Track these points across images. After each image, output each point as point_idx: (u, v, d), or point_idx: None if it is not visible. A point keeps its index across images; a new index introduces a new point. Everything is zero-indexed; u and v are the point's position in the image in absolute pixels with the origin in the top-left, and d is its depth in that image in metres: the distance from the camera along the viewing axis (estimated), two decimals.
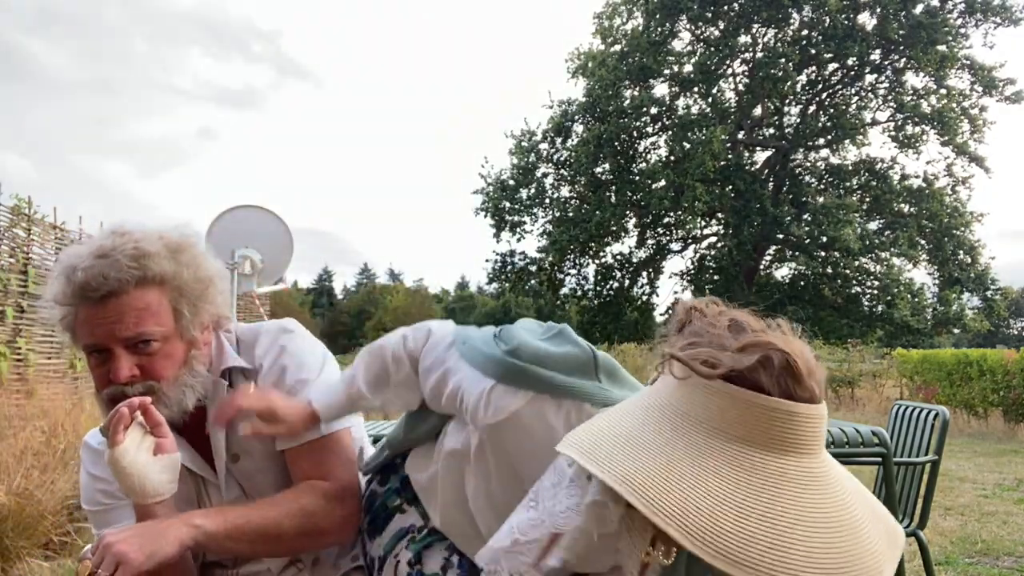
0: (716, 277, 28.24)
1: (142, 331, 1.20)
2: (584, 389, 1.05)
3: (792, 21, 26.91)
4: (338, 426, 1.34)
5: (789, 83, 25.58)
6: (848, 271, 25.58)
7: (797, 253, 27.27)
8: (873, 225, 26.55)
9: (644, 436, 0.76)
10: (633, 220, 28.74)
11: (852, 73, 26.94)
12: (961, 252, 25.14)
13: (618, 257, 29.83)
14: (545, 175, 29.03)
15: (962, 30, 24.73)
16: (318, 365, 1.38)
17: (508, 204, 28.72)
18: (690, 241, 29.52)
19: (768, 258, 28.75)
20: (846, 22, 25.46)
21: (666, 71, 27.61)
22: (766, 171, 28.36)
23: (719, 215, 27.59)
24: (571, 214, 28.12)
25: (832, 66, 27.20)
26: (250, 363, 1.35)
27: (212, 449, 1.35)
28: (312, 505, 1.22)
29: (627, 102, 27.25)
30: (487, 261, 32.23)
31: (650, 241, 29.91)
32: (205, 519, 1.14)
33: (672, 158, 26.62)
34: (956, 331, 26.89)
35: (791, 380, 0.72)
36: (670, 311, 1.06)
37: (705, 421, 0.74)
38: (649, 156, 29.08)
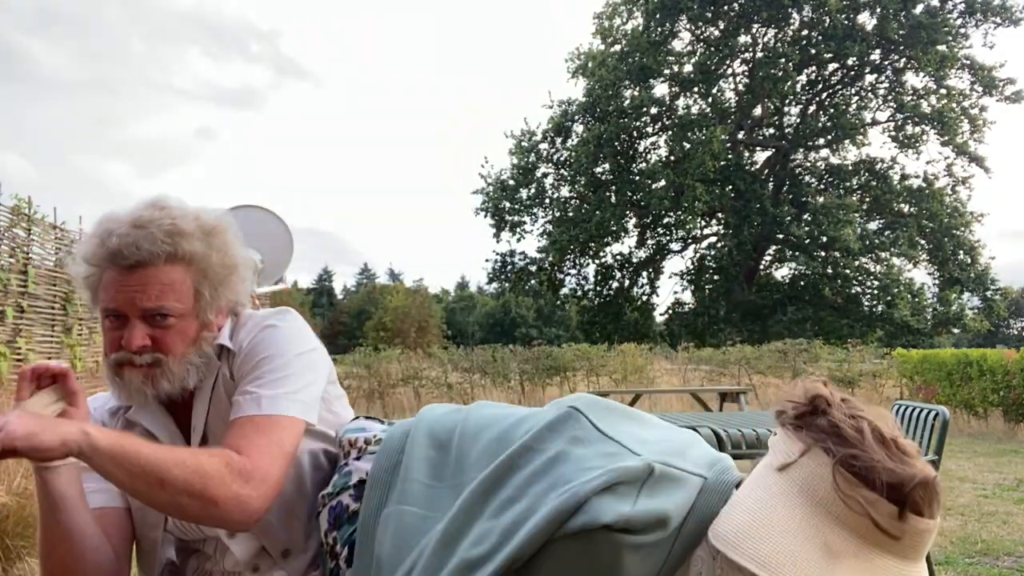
0: (716, 277, 28.26)
1: (162, 305, 1.23)
2: (712, 514, 0.93)
3: (792, 21, 26.92)
4: (288, 412, 1.26)
5: (789, 83, 25.60)
6: (848, 271, 25.59)
7: (797, 253, 27.26)
8: (873, 225, 26.58)
9: (785, 523, 0.84)
10: (633, 220, 28.74)
11: (852, 73, 26.95)
12: (961, 252, 25.15)
13: (618, 257, 29.85)
14: (545, 175, 29.05)
15: (962, 30, 24.75)
16: (296, 349, 1.34)
17: (508, 204, 28.72)
18: (690, 241, 29.52)
19: (768, 258, 28.76)
20: (846, 22, 25.47)
21: (666, 71, 27.62)
22: (766, 171, 28.37)
23: (719, 215, 27.61)
24: (571, 214, 28.13)
25: (832, 66, 27.22)
26: (235, 345, 1.35)
27: (191, 426, 1.34)
28: (210, 467, 1.13)
29: (627, 102, 27.25)
30: (487, 261, 32.25)
31: (650, 241, 29.92)
32: (99, 433, 1.08)
33: (672, 158, 26.62)
34: (956, 331, 26.90)
35: (936, 504, 0.83)
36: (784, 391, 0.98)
37: (848, 524, 0.83)
38: (649, 156, 29.09)
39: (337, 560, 1.18)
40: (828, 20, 25.52)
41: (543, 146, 28.68)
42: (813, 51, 26.32)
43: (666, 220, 28.49)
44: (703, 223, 28.16)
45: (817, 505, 0.83)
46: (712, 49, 27.17)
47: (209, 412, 1.34)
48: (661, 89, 28.32)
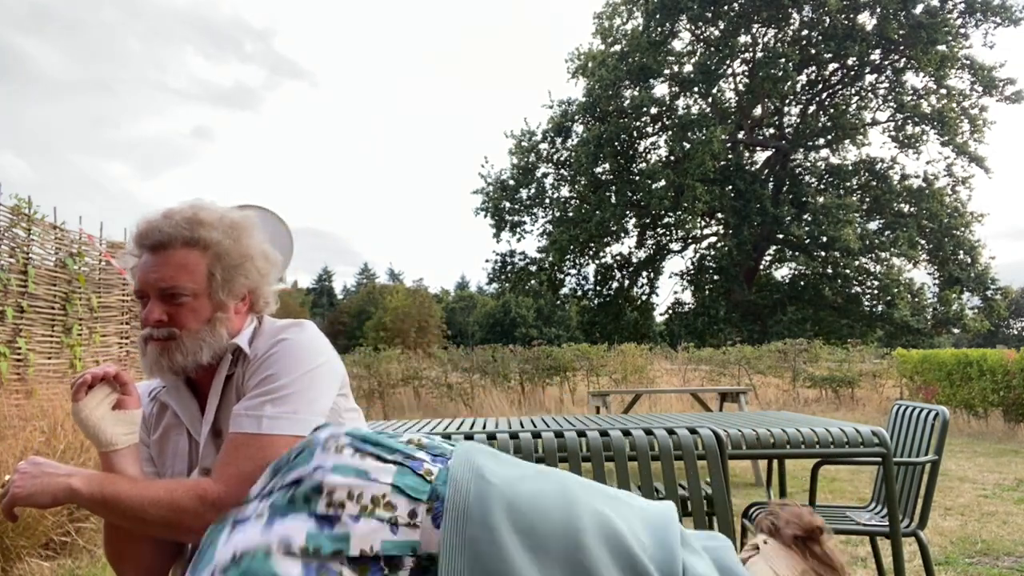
0: (716, 277, 28.26)
1: (175, 284, 1.38)
2: None
3: (792, 21, 26.92)
4: (287, 431, 1.30)
5: (789, 83, 25.59)
6: (848, 271, 25.58)
7: (797, 253, 27.25)
8: (873, 225, 26.57)
9: None
10: (633, 220, 28.74)
11: (852, 73, 26.95)
12: (961, 252, 25.13)
13: (618, 257, 29.85)
14: (545, 175, 29.05)
15: (962, 30, 24.74)
16: (305, 366, 1.38)
17: (508, 204, 28.73)
18: (690, 241, 29.52)
19: (768, 258, 28.75)
20: (846, 22, 25.46)
21: (666, 71, 27.62)
22: (766, 171, 28.37)
23: (719, 215, 27.60)
24: (571, 214, 28.12)
25: (832, 66, 27.21)
26: (252, 353, 1.42)
27: (204, 414, 1.44)
28: (185, 501, 1.25)
29: (627, 102, 27.25)
30: (487, 261, 32.28)
31: (650, 241, 29.92)
32: (83, 484, 1.25)
33: (672, 158, 26.62)
34: (956, 331, 26.89)
35: None
36: (765, 515, 1.21)
37: None
38: (649, 156, 29.09)
39: None
40: (828, 20, 25.52)
41: (543, 146, 28.69)
42: (813, 51, 26.31)
43: (666, 220, 28.48)
44: (703, 223, 28.15)
45: None
46: (712, 49, 27.17)
47: (220, 406, 1.43)
48: (661, 89, 28.36)
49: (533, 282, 29.71)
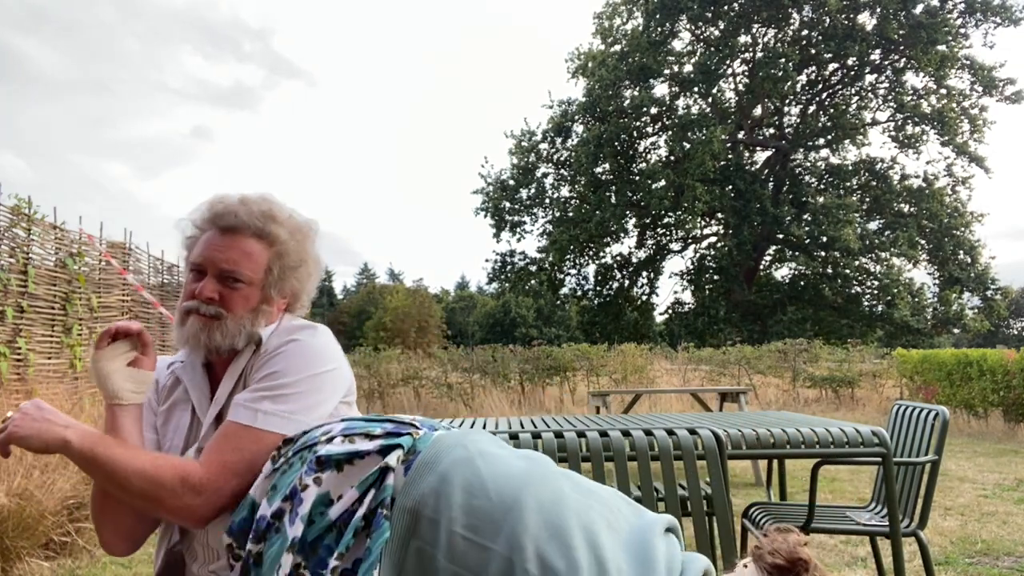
0: (716, 277, 28.26)
1: (237, 269, 1.44)
2: None
3: (792, 21, 26.91)
4: (278, 430, 1.32)
5: (789, 83, 25.59)
6: (848, 271, 25.58)
7: (797, 253, 27.25)
8: (873, 225, 26.57)
9: None
10: (633, 220, 28.74)
11: (852, 73, 26.95)
12: (961, 252, 25.14)
13: (618, 257, 29.86)
14: (545, 175, 29.06)
15: (962, 30, 24.74)
16: (311, 369, 1.40)
17: (508, 204, 28.73)
18: (690, 241, 29.52)
19: (768, 258, 28.75)
20: (846, 22, 25.46)
21: (666, 71, 27.62)
22: (766, 171, 28.36)
23: (719, 215, 27.60)
24: (571, 214, 28.12)
25: (832, 66, 27.21)
26: (264, 346, 1.46)
27: (214, 397, 1.47)
28: (167, 479, 1.27)
29: (627, 102, 27.25)
30: (487, 261, 32.29)
31: (650, 241, 29.92)
32: (77, 437, 1.26)
33: (672, 158, 26.62)
34: (956, 331, 26.89)
35: None
36: (756, 549, 1.11)
37: None
38: (649, 156, 29.09)
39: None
40: (828, 20, 25.52)
41: (543, 146, 28.70)
42: (813, 51, 26.31)
43: (666, 220, 28.48)
44: (703, 223, 28.15)
45: None
46: (712, 49, 27.16)
47: (232, 392, 1.46)
48: (661, 89, 28.36)
49: (533, 282, 29.72)
